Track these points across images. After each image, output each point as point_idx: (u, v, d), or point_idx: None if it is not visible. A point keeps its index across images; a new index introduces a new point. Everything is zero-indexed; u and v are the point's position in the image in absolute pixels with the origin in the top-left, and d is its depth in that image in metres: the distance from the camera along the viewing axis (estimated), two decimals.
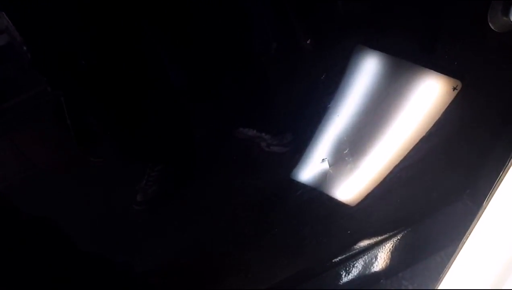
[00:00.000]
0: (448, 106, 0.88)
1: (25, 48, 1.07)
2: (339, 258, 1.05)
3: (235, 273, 1.11)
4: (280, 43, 1.31)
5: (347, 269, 1.06)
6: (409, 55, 0.88)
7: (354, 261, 1.05)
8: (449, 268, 0.92)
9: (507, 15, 0.71)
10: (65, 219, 0.91)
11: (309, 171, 1.07)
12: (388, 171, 0.97)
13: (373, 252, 1.05)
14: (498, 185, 0.82)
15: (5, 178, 1.22)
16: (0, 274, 0.81)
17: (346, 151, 0.96)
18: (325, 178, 1.02)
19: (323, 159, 1.01)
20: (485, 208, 0.83)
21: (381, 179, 0.99)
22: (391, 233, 1.04)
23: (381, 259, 1.05)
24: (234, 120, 1.30)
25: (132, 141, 1.21)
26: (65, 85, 1.04)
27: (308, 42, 1.03)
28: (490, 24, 0.72)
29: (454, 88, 0.85)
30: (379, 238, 1.04)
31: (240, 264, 1.11)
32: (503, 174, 0.79)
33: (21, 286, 0.84)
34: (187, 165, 1.30)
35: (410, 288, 1.06)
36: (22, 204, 0.83)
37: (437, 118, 0.90)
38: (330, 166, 1.01)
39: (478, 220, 0.86)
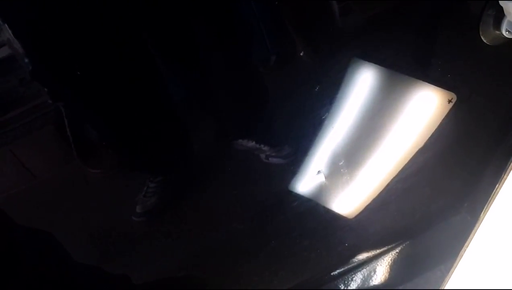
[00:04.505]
0: (444, 119, 0.88)
1: (26, 60, 1.08)
2: (338, 271, 1.04)
3: (233, 286, 1.10)
4: (279, 56, 1.32)
5: (346, 282, 1.05)
6: (404, 68, 0.88)
7: (352, 275, 1.05)
8: (447, 282, 0.91)
9: (498, 28, 0.72)
10: (63, 231, 0.91)
11: (309, 182, 1.07)
12: (384, 183, 0.97)
13: (372, 265, 1.04)
14: (494, 198, 0.82)
15: (4, 189, 1.22)
16: None
17: (342, 163, 0.96)
18: (321, 190, 1.02)
19: (318, 171, 1.01)
20: (482, 220, 0.83)
21: (377, 191, 0.98)
22: (389, 247, 1.04)
23: (380, 272, 1.05)
24: (233, 131, 1.31)
25: (132, 153, 1.22)
26: (66, 96, 1.05)
27: (301, 54, 1.04)
28: (482, 38, 0.73)
29: (449, 101, 0.85)
30: (378, 251, 1.04)
31: (238, 276, 1.11)
32: (499, 187, 0.79)
33: None
34: (186, 177, 1.30)
35: None
36: (21, 215, 0.83)
37: (432, 130, 0.90)
38: (325, 178, 1.01)
39: (475, 233, 0.86)
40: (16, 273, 0.82)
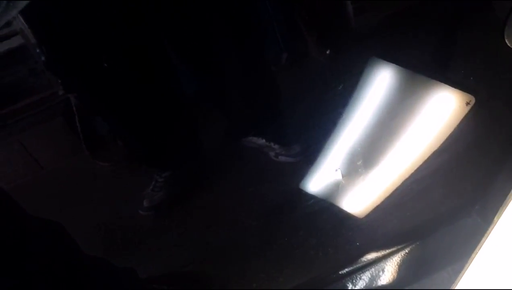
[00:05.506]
0: (461, 121, 0.88)
1: (39, 50, 1.07)
2: (346, 270, 1.04)
3: (241, 283, 1.10)
4: (291, 54, 1.32)
5: (354, 281, 1.05)
6: (424, 69, 0.88)
7: (361, 274, 1.04)
8: (457, 284, 0.91)
9: None
10: (70, 222, 0.91)
11: (319, 181, 1.07)
12: (400, 183, 0.97)
13: (380, 265, 1.04)
14: (509, 201, 0.82)
15: (12, 178, 1.22)
16: (3, 274, 0.80)
17: (360, 162, 0.96)
18: (337, 189, 1.02)
19: (336, 170, 1.01)
20: (495, 223, 0.83)
21: (393, 191, 0.98)
22: (399, 247, 1.04)
23: (388, 272, 1.05)
24: (243, 128, 1.31)
25: (142, 147, 1.22)
26: (79, 88, 1.05)
27: (327, 52, 1.04)
28: (507, 41, 0.73)
29: (468, 103, 0.85)
30: (387, 251, 1.04)
31: (246, 273, 1.10)
32: None
33: (24, 288, 0.83)
34: (194, 172, 1.30)
35: None
36: (28, 205, 0.83)
37: (449, 132, 0.90)
38: (343, 177, 1.01)
39: (487, 237, 0.86)
40: (24, 262, 0.81)
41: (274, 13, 1.28)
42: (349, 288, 1.05)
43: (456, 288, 0.91)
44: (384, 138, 0.95)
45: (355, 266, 1.06)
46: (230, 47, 1.12)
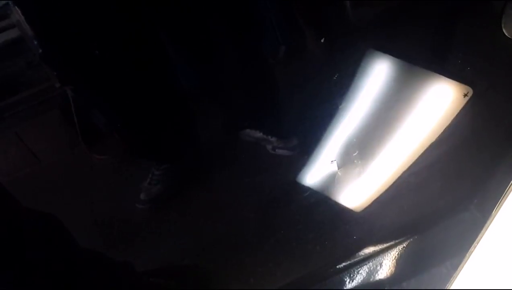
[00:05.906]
0: (458, 113, 0.87)
1: (36, 42, 1.07)
2: (343, 264, 1.04)
3: (238, 277, 1.10)
4: (288, 47, 1.31)
5: (351, 275, 1.04)
6: (421, 60, 0.87)
7: (358, 268, 1.04)
8: (455, 279, 0.91)
9: None
10: (67, 216, 0.91)
11: (316, 174, 1.06)
12: (396, 176, 0.96)
13: (378, 259, 1.04)
14: (507, 195, 0.81)
15: (9, 172, 1.22)
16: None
17: (356, 153, 0.95)
18: (333, 180, 1.01)
19: (332, 161, 1.00)
20: (494, 217, 0.82)
21: (389, 184, 0.98)
22: (396, 241, 1.03)
23: (386, 266, 1.04)
24: (240, 121, 1.30)
25: (139, 140, 1.21)
26: (75, 81, 1.04)
27: (322, 40, 1.03)
28: (504, 31, 0.72)
29: (465, 95, 0.84)
30: (385, 245, 1.03)
31: (243, 267, 1.10)
32: None
33: (20, 282, 0.83)
34: (192, 165, 1.30)
35: None
36: (25, 198, 0.83)
37: (446, 124, 0.89)
38: (338, 168, 1.00)
39: (485, 230, 0.85)
40: (20, 255, 0.81)
41: (271, 6, 1.27)
42: (347, 282, 1.05)
43: (453, 288, 0.90)
44: (380, 130, 0.94)
45: (352, 260, 1.05)
46: (227, 39, 1.11)
